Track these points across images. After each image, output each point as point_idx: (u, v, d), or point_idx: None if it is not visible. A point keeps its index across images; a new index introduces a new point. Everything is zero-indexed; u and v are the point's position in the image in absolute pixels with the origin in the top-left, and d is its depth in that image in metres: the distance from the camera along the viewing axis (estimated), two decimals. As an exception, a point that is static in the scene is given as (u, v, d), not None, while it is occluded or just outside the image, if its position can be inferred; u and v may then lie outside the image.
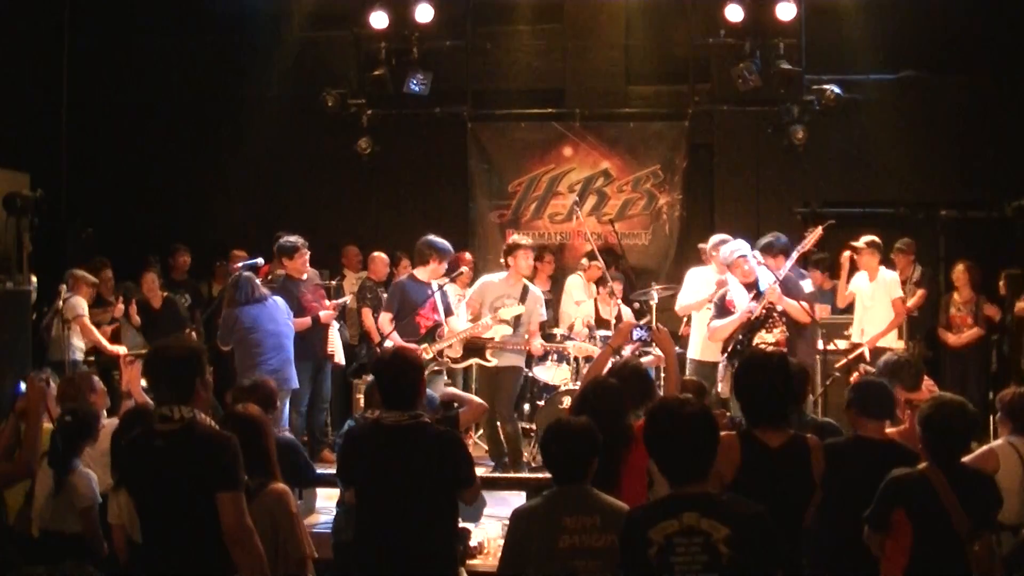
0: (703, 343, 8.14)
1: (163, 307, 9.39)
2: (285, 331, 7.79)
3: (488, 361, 7.97)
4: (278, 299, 7.94)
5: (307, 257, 8.40)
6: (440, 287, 8.11)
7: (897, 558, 4.01)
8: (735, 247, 7.56)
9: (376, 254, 9.95)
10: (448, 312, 8.12)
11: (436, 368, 7.74)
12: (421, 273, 8.08)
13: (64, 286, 8.39)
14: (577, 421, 4.05)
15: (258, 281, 7.95)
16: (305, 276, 8.43)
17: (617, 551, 3.59)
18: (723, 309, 7.56)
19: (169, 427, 3.76)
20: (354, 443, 4.37)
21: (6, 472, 4.72)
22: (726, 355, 7.52)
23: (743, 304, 7.41)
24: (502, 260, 8.27)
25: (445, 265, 8.12)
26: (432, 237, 8.15)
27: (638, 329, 6.09)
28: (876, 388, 4.74)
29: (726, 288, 7.67)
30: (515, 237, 8.45)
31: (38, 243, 7.98)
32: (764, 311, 7.29)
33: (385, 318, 8.03)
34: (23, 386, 4.74)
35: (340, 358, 8.61)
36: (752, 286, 7.45)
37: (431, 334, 7.89)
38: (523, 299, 8.01)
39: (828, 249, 9.60)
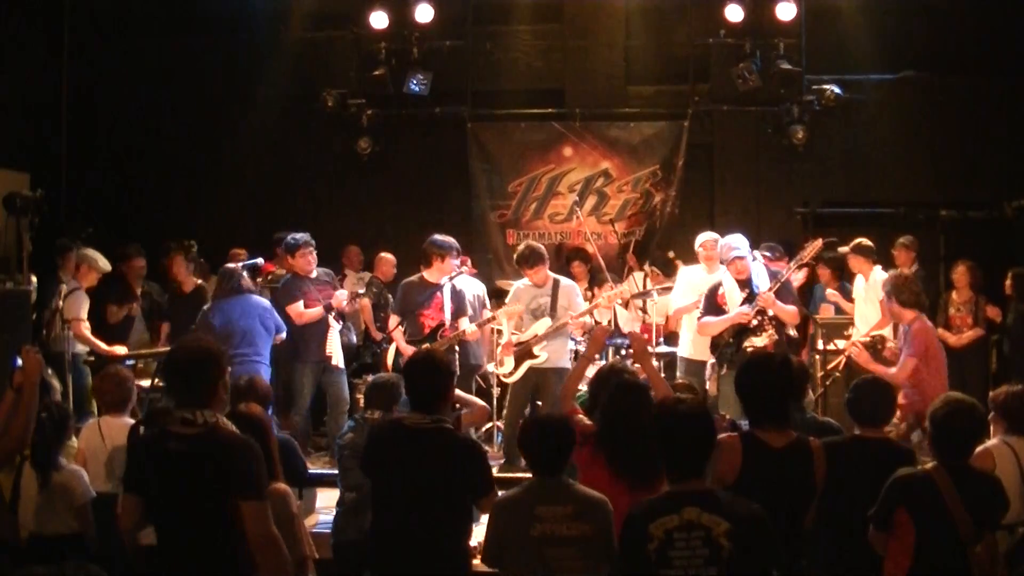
0: (693, 342, 8.17)
1: (192, 294, 8.97)
2: (258, 328, 7.71)
3: (536, 357, 7.89)
4: (261, 299, 7.94)
5: (311, 255, 8.31)
6: (455, 288, 8.07)
7: (900, 558, 4.01)
8: (733, 244, 7.56)
9: (383, 255, 9.97)
10: (460, 313, 8.07)
11: None
12: (429, 274, 8.09)
13: (64, 286, 8.36)
14: (553, 417, 4.16)
15: (245, 276, 7.96)
16: (314, 274, 8.35)
17: (591, 540, 3.75)
18: (713, 304, 7.54)
19: (190, 431, 3.65)
20: (377, 441, 4.39)
21: (4, 448, 4.69)
22: (715, 356, 7.56)
23: (735, 300, 7.42)
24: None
25: (452, 261, 8.07)
26: (435, 236, 8.16)
27: (616, 336, 6.04)
28: (872, 392, 4.67)
29: (718, 282, 7.64)
30: (522, 250, 8.26)
31: (38, 243, 7.97)
32: (756, 315, 7.31)
33: (393, 320, 8.10)
34: (19, 360, 4.70)
35: (338, 360, 8.29)
36: (745, 283, 7.44)
37: (433, 334, 7.90)
38: (555, 295, 7.98)
39: (830, 249, 9.61)
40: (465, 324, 8.04)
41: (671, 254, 10.21)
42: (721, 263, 7.75)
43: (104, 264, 8.61)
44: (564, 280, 8.22)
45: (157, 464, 3.68)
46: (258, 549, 3.65)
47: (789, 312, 7.42)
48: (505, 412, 8.23)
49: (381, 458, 4.27)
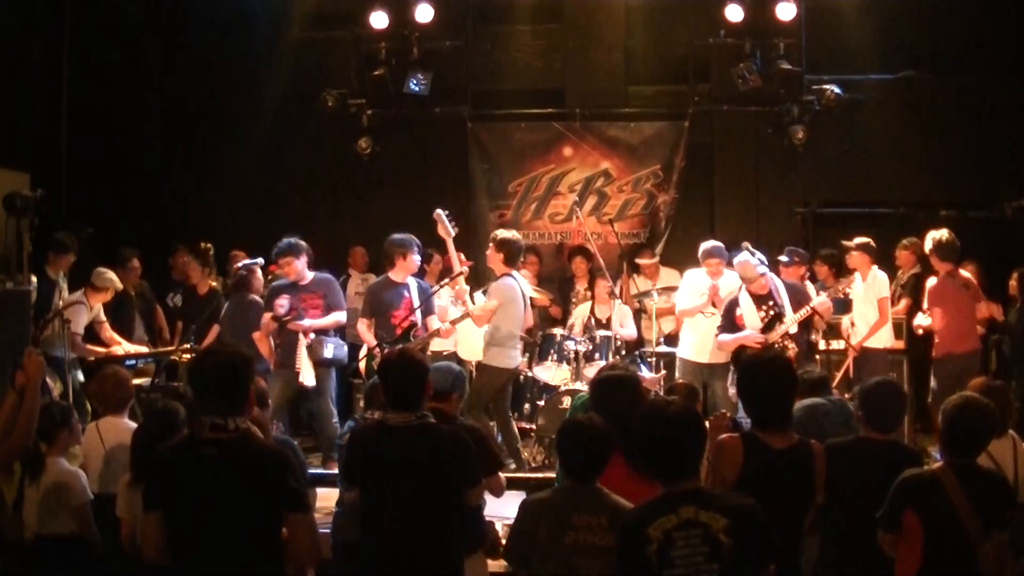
0: (692, 344, 8.21)
1: (207, 295, 9.13)
2: (228, 333, 7.84)
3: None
4: (251, 298, 8.07)
5: (289, 265, 7.99)
6: (421, 287, 8.04)
7: (909, 559, 3.99)
8: (758, 264, 7.64)
9: None
10: (429, 311, 8.01)
11: None
12: (394, 274, 8.04)
13: (64, 288, 8.37)
14: (594, 421, 4.05)
15: (247, 275, 8.15)
16: (305, 280, 8.06)
17: None
18: (732, 323, 7.71)
19: (222, 436, 3.57)
20: (360, 443, 4.35)
21: (6, 450, 4.68)
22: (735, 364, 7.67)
23: (753, 319, 7.58)
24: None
25: (415, 257, 8.02)
26: (394, 235, 8.11)
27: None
28: (882, 398, 4.57)
29: (734, 295, 7.72)
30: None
31: (38, 243, 7.97)
32: (781, 339, 7.49)
33: (362, 324, 8.01)
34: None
35: (306, 377, 7.87)
36: (765, 298, 7.51)
37: (407, 335, 7.75)
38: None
39: (830, 247, 9.62)
40: (437, 323, 7.97)
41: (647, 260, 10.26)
42: (744, 280, 7.77)
43: (118, 283, 8.71)
44: (499, 279, 8.04)
45: (189, 472, 3.58)
46: (299, 563, 3.62)
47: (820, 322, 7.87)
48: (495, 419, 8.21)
49: (367, 461, 4.23)
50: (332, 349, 8.01)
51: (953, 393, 6.63)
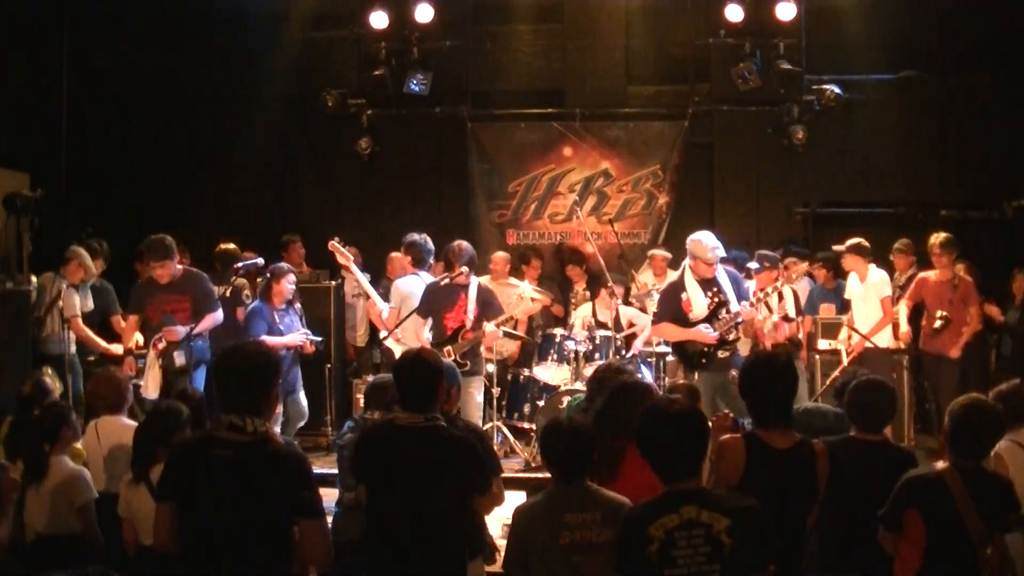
0: None
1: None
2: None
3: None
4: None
5: (168, 265, 7.64)
6: (481, 288, 7.88)
7: (910, 559, 3.99)
8: (713, 243, 7.36)
9: (394, 254, 9.91)
10: (487, 315, 7.77)
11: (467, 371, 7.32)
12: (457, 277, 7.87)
13: (64, 285, 8.36)
14: (575, 420, 4.06)
15: (270, 283, 8.08)
16: (176, 279, 7.73)
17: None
18: (675, 309, 7.38)
19: (239, 438, 3.51)
20: (368, 442, 4.33)
21: None
22: (678, 356, 7.61)
23: (700, 305, 7.32)
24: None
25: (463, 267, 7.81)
26: (461, 243, 7.93)
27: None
28: (873, 396, 4.53)
29: (679, 284, 7.46)
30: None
31: (38, 243, 7.97)
32: (727, 328, 7.28)
33: (418, 323, 7.93)
34: None
35: (149, 391, 7.39)
36: (711, 282, 7.36)
37: (455, 335, 7.71)
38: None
39: (828, 249, 9.61)
40: (491, 327, 7.76)
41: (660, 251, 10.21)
42: (694, 258, 7.38)
43: (87, 258, 8.61)
44: (399, 280, 8.18)
45: (201, 471, 3.54)
46: (313, 568, 3.60)
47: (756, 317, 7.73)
48: None
49: (375, 460, 4.20)
50: (183, 356, 7.56)
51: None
